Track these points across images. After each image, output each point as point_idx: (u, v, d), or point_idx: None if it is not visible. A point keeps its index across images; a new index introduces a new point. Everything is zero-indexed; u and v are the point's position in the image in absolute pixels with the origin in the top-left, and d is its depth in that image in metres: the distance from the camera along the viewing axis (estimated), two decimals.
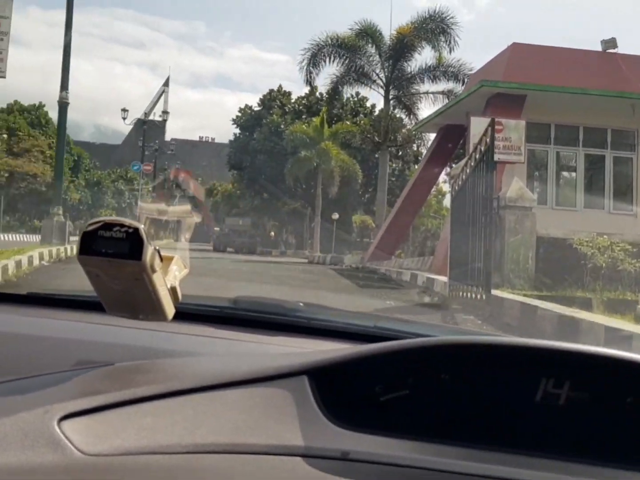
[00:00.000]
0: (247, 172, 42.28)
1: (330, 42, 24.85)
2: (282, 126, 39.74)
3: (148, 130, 44.85)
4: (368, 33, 24.95)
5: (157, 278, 0.83)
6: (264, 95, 44.16)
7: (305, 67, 25.05)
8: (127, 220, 0.79)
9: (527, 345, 0.76)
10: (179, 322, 1.05)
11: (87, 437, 0.67)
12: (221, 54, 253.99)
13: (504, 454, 0.72)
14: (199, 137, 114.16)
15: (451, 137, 18.97)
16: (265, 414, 0.74)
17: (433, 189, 27.02)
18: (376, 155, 38.87)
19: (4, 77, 13.26)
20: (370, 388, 0.77)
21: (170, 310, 0.89)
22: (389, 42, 25.22)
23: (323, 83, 27.12)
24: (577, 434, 0.74)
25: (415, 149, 40.27)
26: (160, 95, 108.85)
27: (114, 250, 0.78)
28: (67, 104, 15.64)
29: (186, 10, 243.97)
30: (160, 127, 71.78)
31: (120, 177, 59.96)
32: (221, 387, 0.77)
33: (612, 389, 0.74)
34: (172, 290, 0.89)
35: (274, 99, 43.54)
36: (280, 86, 44.56)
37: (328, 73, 26.93)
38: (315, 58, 25.02)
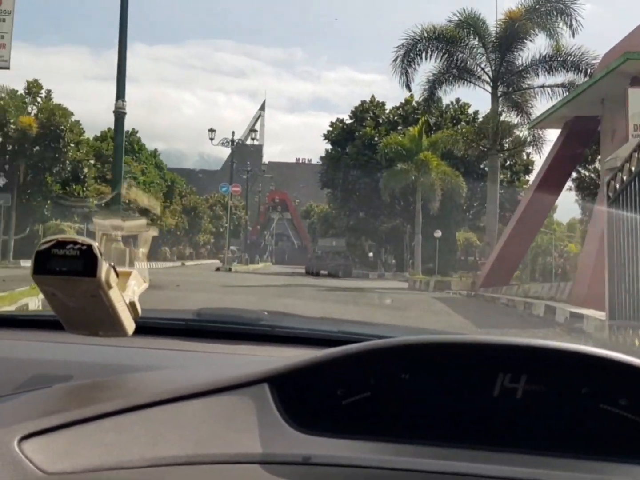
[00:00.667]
0: (340, 190, 40.06)
1: (426, 35, 21.58)
2: (376, 138, 37.02)
3: (244, 153, 43.89)
4: (469, 23, 21.52)
5: (113, 294, 0.83)
6: (356, 107, 41.56)
7: (399, 66, 21.82)
8: (81, 238, 0.79)
9: (483, 342, 0.77)
10: (141, 336, 1.06)
11: (48, 456, 0.67)
12: (318, 77, 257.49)
13: (466, 450, 0.73)
14: (296, 159, 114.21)
15: (580, 132, 15.53)
16: (226, 424, 0.74)
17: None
18: (481, 166, 35.14)
19: (7, 67, 11.68)
20: (332, 392, 0.78)
21: (129, 325, 0.89)
22: (495, 30, 21.65)
23: (419, 82, 23.54)
24: (536, 426, 0.76)
25: (525, 157, 36.39)
26: (257, 119, 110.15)
27: (68, 268, 0.78)
28: (124, 114, 13.93)
29: (284, 38, 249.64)
30: (255, 150, 71.44)
31: (218, 202, 59.65)
32: (182, 399, 0.77)
33: (567, 381, 0.76)
34: (131, 305, 0.89)
35: (367, 111, 40.84)
36: (373, 97, 41.89)
37: (425, 71, 23.11)
38: (409, 54, 21.77)
